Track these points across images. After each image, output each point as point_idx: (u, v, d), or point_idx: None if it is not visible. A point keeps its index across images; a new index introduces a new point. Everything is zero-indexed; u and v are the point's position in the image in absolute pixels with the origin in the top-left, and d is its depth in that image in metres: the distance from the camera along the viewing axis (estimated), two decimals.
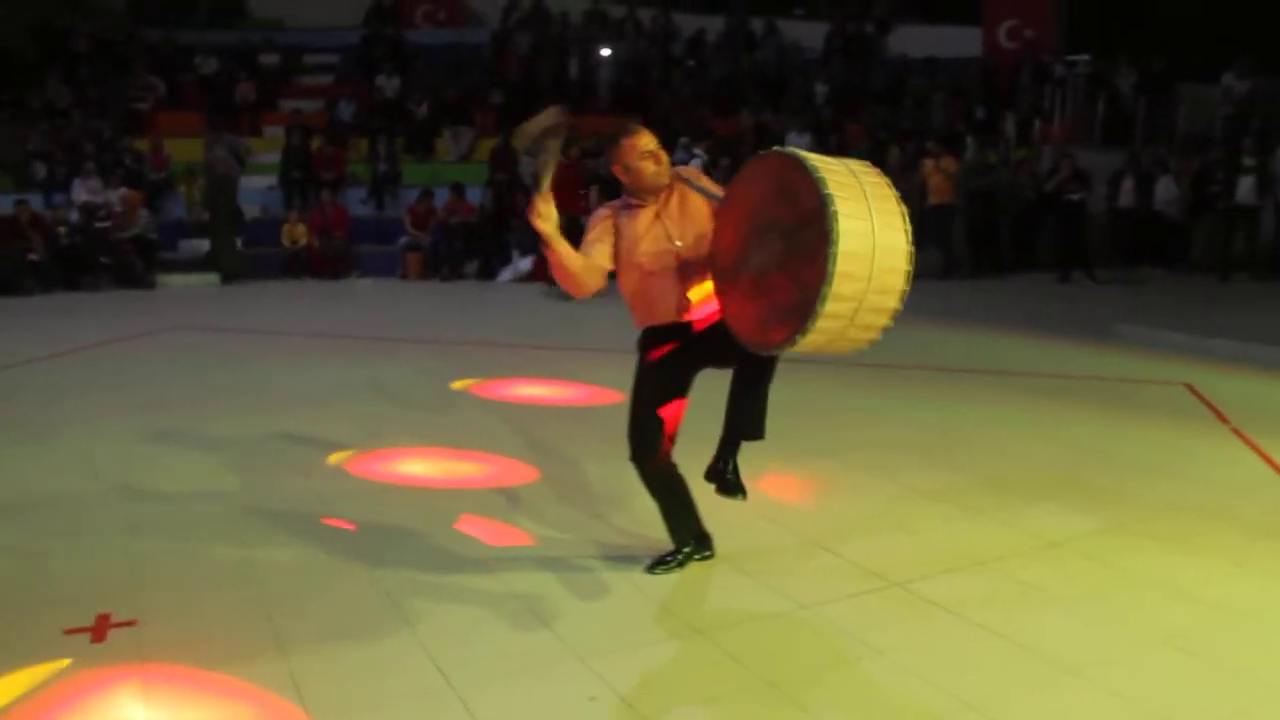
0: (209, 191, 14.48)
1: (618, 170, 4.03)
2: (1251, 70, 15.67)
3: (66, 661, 3.53)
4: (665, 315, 4.03)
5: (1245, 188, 13.37)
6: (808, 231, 3.40)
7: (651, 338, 4.09)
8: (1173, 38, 17.59)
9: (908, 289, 3.52)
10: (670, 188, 4.04)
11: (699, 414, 4.22)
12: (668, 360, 4.06)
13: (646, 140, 3.99)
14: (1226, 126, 15.59)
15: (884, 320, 3.56)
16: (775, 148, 3.75)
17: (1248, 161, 13.41)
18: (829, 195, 3.34)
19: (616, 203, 4.12)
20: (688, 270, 3.98)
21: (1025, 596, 4.03)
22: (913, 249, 3.50)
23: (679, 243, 3.98)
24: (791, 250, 3.49)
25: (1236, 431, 6.28)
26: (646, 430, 4.12)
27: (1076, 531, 4.67)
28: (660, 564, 4.27)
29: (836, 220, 3.31)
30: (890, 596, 4.03)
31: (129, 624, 3.80)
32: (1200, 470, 5.62)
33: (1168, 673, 3.42)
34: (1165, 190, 14.04)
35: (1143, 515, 4.89)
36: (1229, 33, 17.04)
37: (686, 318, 4.03)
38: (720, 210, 3.92)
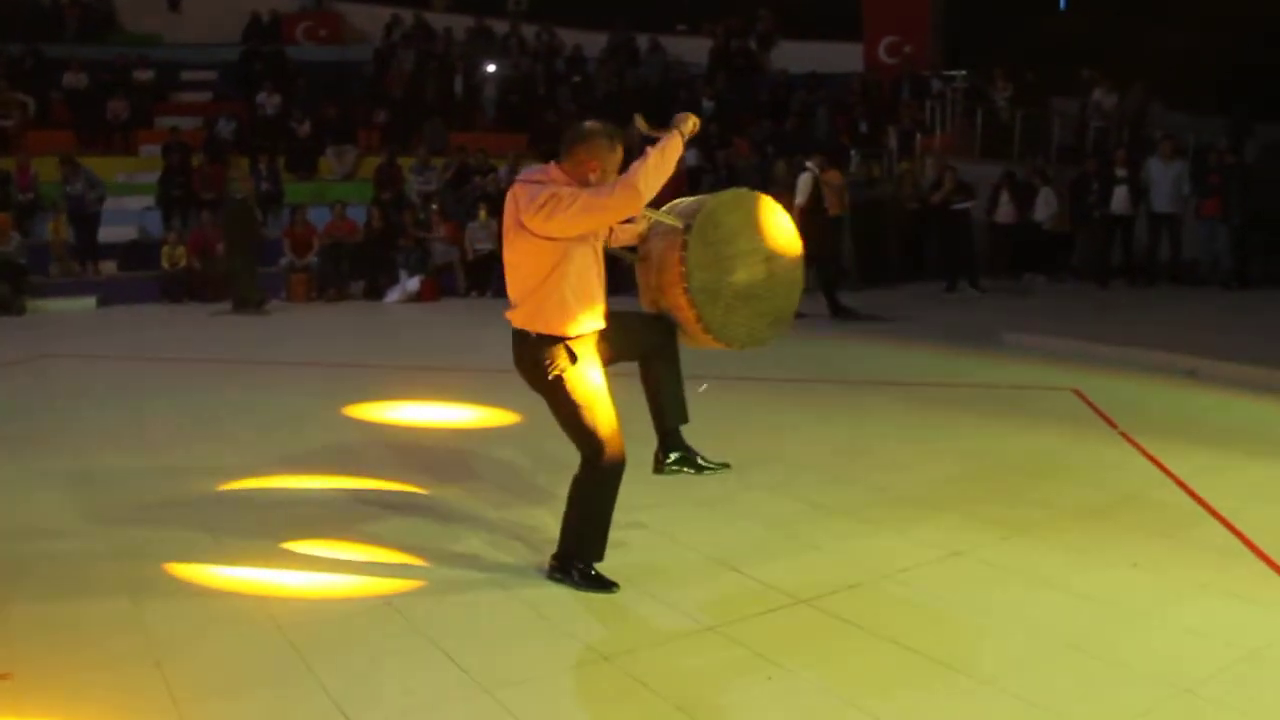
0: (228, 218, 13.87)
1: (592, 167, 4.03)
2: (1112, 85, 16.24)
3: None
4: (592, 314, 4.06)
5: (1119, 198, 13.83)
6: (784, 260, 4.47)
7: (568, 349, 4.03)
8: (1042, 54, 18.10)
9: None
10: None
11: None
12: (591, 365, 4.09)
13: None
14: (1098, 139, 16.12)
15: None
16: (747, 189, 4.57)
17: (1120, 173, 13.88)
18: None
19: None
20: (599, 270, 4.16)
21: (932, 607, 4.04)
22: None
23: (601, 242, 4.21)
24: (774, 269, 4.44)
25: (1125, 435, 6.44)
26: (610, 433, 4.08)
27: (977, 540, 4.72)
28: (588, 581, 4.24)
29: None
30: (798, 614, 4.00)
31: (2, 678, 3.55)
32: (1093, 474, 5.74)
33: (1075, 676, 3.47)
34: (1046, 202, 14.41)
35: (1040, 521, 4.97)
36: (1092, 50, 17.62)
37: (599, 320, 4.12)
38: (698, 233, 4.19)
